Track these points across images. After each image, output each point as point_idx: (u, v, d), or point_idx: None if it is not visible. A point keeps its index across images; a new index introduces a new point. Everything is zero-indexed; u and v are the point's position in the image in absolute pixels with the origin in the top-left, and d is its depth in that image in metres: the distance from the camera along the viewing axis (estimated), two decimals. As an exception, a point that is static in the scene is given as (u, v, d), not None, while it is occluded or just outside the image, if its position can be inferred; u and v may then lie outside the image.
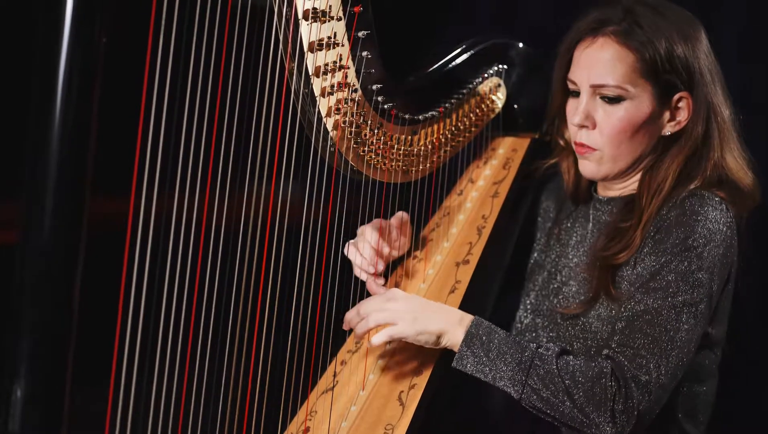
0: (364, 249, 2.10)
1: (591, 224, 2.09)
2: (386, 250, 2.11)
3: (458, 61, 2.25)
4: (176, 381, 1.64)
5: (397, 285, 2.12)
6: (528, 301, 2.14)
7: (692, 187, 1.93)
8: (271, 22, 1.79)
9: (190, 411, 1.71)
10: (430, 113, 2.13)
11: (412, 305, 1.89)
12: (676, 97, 1.97)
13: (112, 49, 1.37)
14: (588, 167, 2.02)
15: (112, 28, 1.35)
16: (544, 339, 2.05)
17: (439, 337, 1.87)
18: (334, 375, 2.02)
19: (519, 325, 2.14)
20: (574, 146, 2.04)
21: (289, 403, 1.91)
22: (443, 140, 2.19)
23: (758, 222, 2.06)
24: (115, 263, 1.46)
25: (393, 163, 2.07)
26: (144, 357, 1.52)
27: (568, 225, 2.16)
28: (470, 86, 2.26)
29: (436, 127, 2.17)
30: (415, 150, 2.12)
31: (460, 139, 2.25)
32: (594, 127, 1.98)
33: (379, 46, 1.95)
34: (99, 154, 1.37)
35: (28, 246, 1.33)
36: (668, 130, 1.99)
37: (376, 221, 2.11)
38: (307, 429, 1.93)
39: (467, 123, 2.25)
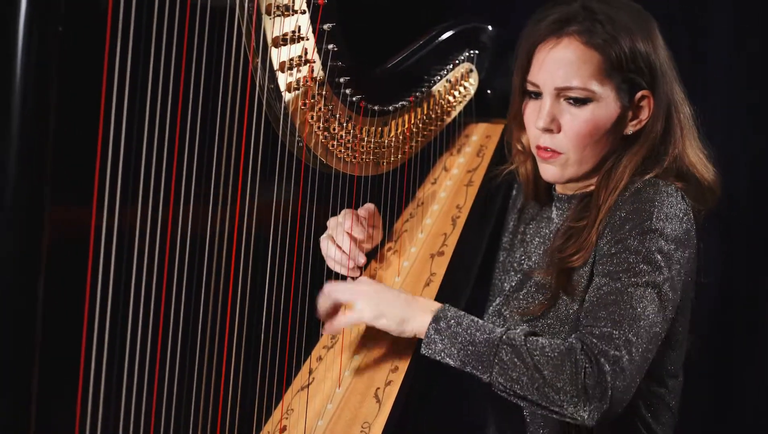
0: (343, 243, 2.07)
1: (554, 224, 2.06)
2: (365, 245, 2.09)
3: (428, 48, 2.21)
4: (147, 381, 1.62)
5: (371, 279, 2.09)
6: (491, 306, 2.10)
7: (647, 177, 1.89)
8: (234, 17, 1.76)
9: (162, 413, 1.69)
10: (400, 103, 2.10)
11: (375, 288, 1.87)
12: (638, 95, 1.93)
13: (71, 44, 1.34)
14: (550, 171, 1.96)
15: (69, 24, 1.33)
16: None
17: (401, 323, 1.84)
18: (310, 373, 1.99)
19: None
20: (535, 151, 1.97)
21: (264, 402, 1.90)
22: (415, 130, 2.16)
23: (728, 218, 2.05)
24: (82, 262, 1.44)
25: (363, 156, 2.05)
26: (113, 355, 1.50)
27: (532, 225, 2.12)
28: (441, 73, 2.22)
29: (407, 117, 2.14)
30: (386, 141, 2.09)
31: (432, 127, 2.22)
32: (559, 130, 1.92)
33: (373, 47, 1.92)
34: (59, 151, 1.34)
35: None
36: (630, 129, 1.95)
37: (347, 212, 2.08)
38: (284, 428, 1.91)
39: (439, 111, 2.23)
